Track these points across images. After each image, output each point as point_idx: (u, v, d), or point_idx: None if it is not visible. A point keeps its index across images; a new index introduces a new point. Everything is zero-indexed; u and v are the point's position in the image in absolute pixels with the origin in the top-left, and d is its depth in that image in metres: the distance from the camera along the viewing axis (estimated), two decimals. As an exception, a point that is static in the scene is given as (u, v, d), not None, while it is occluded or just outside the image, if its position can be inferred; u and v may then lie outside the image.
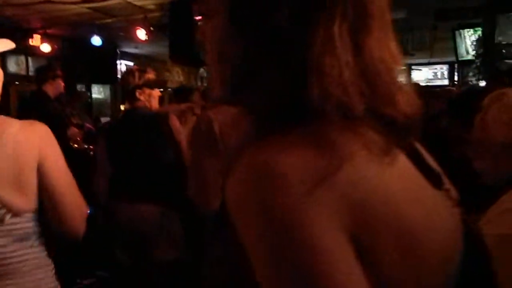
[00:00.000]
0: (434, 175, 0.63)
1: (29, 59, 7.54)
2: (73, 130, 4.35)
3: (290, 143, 0.52)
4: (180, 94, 4.55)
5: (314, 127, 0.53)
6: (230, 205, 0.53)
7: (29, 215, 1.29)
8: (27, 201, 1.26)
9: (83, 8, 5.89)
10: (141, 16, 6.18)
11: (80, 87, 8.78)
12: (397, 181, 0.55)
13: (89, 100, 9.02)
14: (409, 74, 10.94)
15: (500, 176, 1.31)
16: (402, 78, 0.61)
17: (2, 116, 1.32)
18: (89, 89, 9.05)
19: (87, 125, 5.55)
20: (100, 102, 9.54)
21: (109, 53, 8.56)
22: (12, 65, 7.34)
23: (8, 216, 1.24)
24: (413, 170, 0.59)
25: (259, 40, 0.58)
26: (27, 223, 1.28)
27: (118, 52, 8.88)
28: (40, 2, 5.55)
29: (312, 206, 0.48)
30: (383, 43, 0.59)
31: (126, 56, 9.47)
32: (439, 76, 12.47)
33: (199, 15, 4.38)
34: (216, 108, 1.70)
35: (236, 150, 1.35)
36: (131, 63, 9.78)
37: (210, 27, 0.64)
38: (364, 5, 0.57)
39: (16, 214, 1.24)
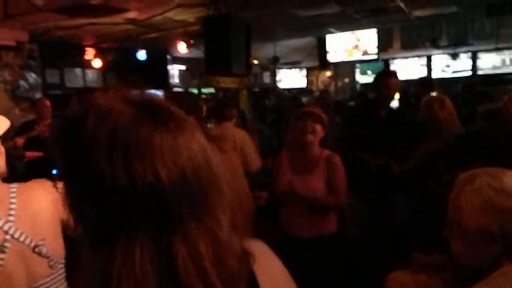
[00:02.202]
0: None
1: (85, 71, 8.04)
2: None
3: None
4: (218, 111, 4.36)
5: None
6: None
7: None
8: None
9: (128, 25, 6.16)
10: (182, 30, 6.36)
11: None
12: None
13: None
14: (474, 62, 10.39)
15: (477, 261, 1.28)
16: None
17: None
18: (142, 95, 9.45)
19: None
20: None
21: (160, 59, 8.87)
22: (70, 79, 7.87)
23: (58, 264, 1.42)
24: None
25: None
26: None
27: (169, 57, 9.17)
28: (89, 24, 5.88)
29: None
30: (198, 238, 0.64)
31: (178, 60, 9.75)
32: (507, 63, 11.61)
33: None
34: None
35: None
36: (183, 67, 10.09)
37: None
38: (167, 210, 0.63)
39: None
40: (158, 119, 0.65)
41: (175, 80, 10.12)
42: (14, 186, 1.45)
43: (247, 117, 7.12)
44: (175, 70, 9.98)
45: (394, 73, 3.95)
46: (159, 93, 9.76)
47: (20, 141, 4.07)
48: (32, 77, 6.84)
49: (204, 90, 11.77)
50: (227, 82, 10.31)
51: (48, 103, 5.41)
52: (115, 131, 0.63)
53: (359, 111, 4.25)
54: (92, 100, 0.69)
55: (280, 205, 2.89)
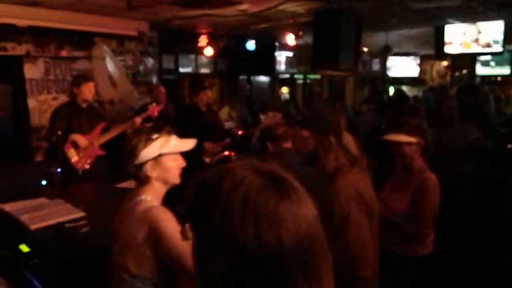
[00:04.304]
0: None
1: (198, 57, 8.41)
2: (208, 145, 4.70)
3: None
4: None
5: None
6: None
7: (146, 280, 1.60)
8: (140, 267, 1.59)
9: (240, 16, 6.30)
10: (291, 20, 6.33)
11: (241, 79, 9.47)
12: None
13: (249, 92, 9.65)
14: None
15: None
16: None
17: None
18: (249, 82, 9.66)
19: (238, 131, 6.02)
20: (260, 91, 10.09)
21: (268, 46, 8.96)
22: (183, 64, 8.30)
23: (126, 276, 1.59)
24: None
25: None
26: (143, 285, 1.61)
27: (277, 44, 9.21)
28: (204, 15, 6.12)
29: None
30: None
31: (285, 47, 9.76)
32: None
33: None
34: None
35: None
36: (290, 53, 10.09)
37: None
38: None
39: (132, 275, 1.59)
40: (283, 191, 0.76)
41: (282, 66, 10.16)
42: None
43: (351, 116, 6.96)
44: (282, 57, 10.01)
45: None
46: (266, 79, 9.97)
47: (137, 120, 4.45)
48: (150, 62, 7.34)
49: (310, 76, 11.70)
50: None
51: (163, 89, 5.76)
52: (248, 198, 0.73)
53: None
54: (228, 167, 0.81)
55: None
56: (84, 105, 4.32)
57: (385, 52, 10.03)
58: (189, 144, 1.81)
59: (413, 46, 10.82)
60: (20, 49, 5.78)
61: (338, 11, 5.11)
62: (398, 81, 12.60)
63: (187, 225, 0.85)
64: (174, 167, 1.76)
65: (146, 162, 1.70)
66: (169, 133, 1.77)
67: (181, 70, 8.25)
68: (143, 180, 1.73)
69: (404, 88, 11.98)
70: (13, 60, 5.81)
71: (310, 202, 0.79)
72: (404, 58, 12.24)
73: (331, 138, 1.94)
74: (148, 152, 1.70)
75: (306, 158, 2.07)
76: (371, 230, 1.86)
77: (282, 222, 0.72)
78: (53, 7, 5.45)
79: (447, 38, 9.12)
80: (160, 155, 1.72)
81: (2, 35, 5.56)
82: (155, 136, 1.72)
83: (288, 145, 3.10)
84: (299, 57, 10.16)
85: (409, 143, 2.54)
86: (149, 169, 1.71)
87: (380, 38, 9.55)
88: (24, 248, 2.39)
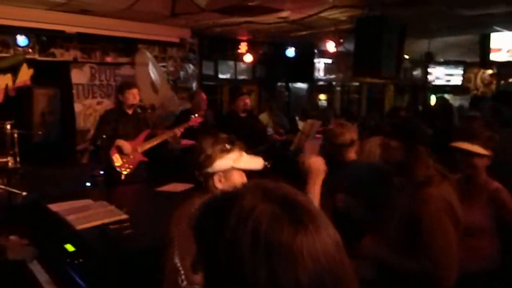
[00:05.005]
0: None
1: (237, 64, 8.49)
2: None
3: None
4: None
5: None
6: None
7: None
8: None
9: (281, 23, 6.32)
10: (332, 28, 6.29)
11: (279, 86, 9.47)
12: None
13: (287, 98, 9.64)
14: None
15: None
16: None
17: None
18: (287, 88, 9.65)
19: (276, 136, 6.03)
20: (297, 98, 10.05)
21: (307, 53, 8.92)
22: (222, 70, 8.39)
23: (184, 283, 1.58)
24: None
25: None
26: None
27: (316, 51, 9.17)
28: (245, 22, 6.18)
29: None
30: None
31: (324, 54, 9.71)
32: None
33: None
34: None
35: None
36: (329, 60, 10.02)
37: None
38: None
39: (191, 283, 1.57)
40: (298, 220, 0.67)
41: (320, 73, 10.10)
42: None
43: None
44: (320, 64, 9.96)
45: None
46: (304, 85, 9.94)
47: (179, 131, 4.59)
48: (190, 68, 7.46)
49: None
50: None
51: (204, 96, 5.86)
52: (258, 233, 0.65)
53: None
54: (235, 193, 0.73)
55: None
56: (130, 112, 4.45)
57: (428, 59, 9.81)
58: (258, 163, 1.81)
59: (456, 54, 10.52)
60: (68, 55, 6.01)
61: (381, 18, 5.04)
62: (440, 90, 12.27)
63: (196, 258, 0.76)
64: (239, 183, 1.74)
65: (216, 172, 1.72)
66: (241, 148, 1.78)
67: (220, 76, 8.34)
68: (206, 189, 1.74)
69: (447, 96, 11.65)
70: (60, 65, 6.05)
71: (330, 228, 0.70)
72: (447, 66, 11.93)
73: (419, 148, 2.01)
74: (222, 163, 1.71)
75: (395, 168, 2.10)
76: (457, 243, 1.90)
77: (299, 259, 0.64)
78: (101, 15, 5.64)
79: (493, 45, 8.84)
80: (230, 168, 1.73)
81: (51, 41, 5.80)
82: (229, 148, 1.74)
83: (352, 156, 2.80)
84: (338, 64, 10.07)
85: (481, 155, 2.41)
86: (216, 180, 1.72)
87: (422, 45, 9.35)
88: (70, 247, 2.47)
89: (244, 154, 1.78)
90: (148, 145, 4.48)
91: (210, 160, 1.71)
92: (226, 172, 1.72)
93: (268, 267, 0.63)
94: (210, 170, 1.71)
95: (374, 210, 2.27)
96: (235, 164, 1.73)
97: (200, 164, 1.72)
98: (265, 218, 0.66)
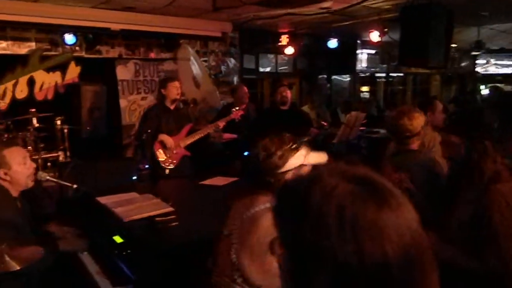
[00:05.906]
0: None
1: (277, 57, 8.43)
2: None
3: None
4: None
5: None
6: None
7: None
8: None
9: (323, 13, 6.21)
10: (376, 17, 6.12)
11: (321, 78, 9.35)
12: None
13: (329, 91, 9.50)
14: None
15: None
16: None
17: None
18: (329, 80, 9.51)
19: (314, 130, 5.94)
20: (339, 90, 9.89)
21: (349, 44, 8.76)
22: (263, 64, 8.36)
23: (240, 280, 1.58)
24: None
25: None
26: None
27: (358, 41, 8.98)
28: (286, 14, 6.12)
29: None
30: None
31: (367, 44, 9.49)
32: None
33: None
34: None
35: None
36: (372, 51, 9.79)
37: None
38: None
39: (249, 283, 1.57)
40: (380, 197, 0.68)
41: (363, 64, 9.88)
42: None
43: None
44: (363, 55, 9.74)
45: None
46: (346, 77, 9.77)
47: (221, 124, 4.63)
48: (231, 62, 7.48)
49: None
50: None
51: (246, 89, 5.85)
52: (343, 208, 0.66)
53: None
54: (314, 174, 0.74)
55: None
56: (172, 107, 4.50)
57: (477, 47, 9.39)
58: (324, 157, 1.78)
59: (508, 42, 10.02)
60: (113, 52, 6.16)
61: (427, 5, 4.83)
62: (491, 79, 11.75)
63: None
64: None
65: (289, 171, 1.69)
66: (306, 144, 1.76)
67: (261, 69, 8.32)
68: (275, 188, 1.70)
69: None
70: (106, 62, 6.21)
71: (410, 207, 0.71)
72: (497, 54, 11.39)
73: (486, 143, 1.93)
74: (295, 161, 1.70)
75: (458, 165, 2.05)
76: None
77: (385, 233, 0.65)
78: (144, 11, 5.73)
79: (549, 31, 8.36)
80: (301, 165, 1.71)
81: (97, 39, 5.96)
82: (298, 145, 1.72)
83: (415, 146, 2.66)
84: (381, 54, 9.81)
85: None
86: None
87: (470, 33, 8.96)
88: (118, 239, 2.52)
89: (310, 149, 1.76)
90: (190, 140, 4.52)
91: (283, 160, 1.68)
92: (297, 169, 1.70)
93: (356, 241, 0.64)
94: (284, 169, 1.69)
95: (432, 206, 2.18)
96: (305, 160, 1.71)
97: (274, 167, 1.69)
98: (347, 195, 0.68)
